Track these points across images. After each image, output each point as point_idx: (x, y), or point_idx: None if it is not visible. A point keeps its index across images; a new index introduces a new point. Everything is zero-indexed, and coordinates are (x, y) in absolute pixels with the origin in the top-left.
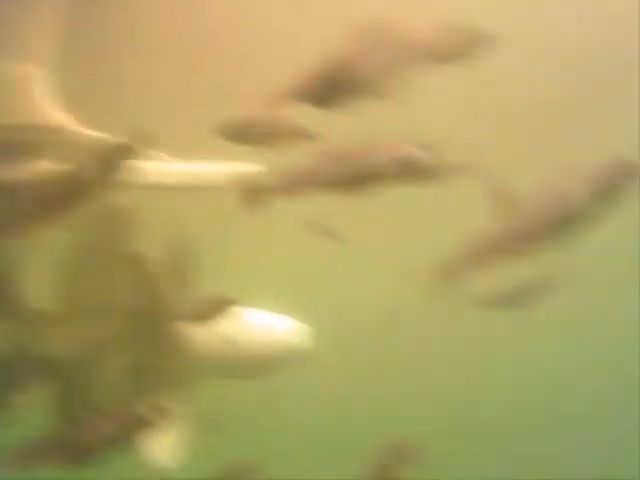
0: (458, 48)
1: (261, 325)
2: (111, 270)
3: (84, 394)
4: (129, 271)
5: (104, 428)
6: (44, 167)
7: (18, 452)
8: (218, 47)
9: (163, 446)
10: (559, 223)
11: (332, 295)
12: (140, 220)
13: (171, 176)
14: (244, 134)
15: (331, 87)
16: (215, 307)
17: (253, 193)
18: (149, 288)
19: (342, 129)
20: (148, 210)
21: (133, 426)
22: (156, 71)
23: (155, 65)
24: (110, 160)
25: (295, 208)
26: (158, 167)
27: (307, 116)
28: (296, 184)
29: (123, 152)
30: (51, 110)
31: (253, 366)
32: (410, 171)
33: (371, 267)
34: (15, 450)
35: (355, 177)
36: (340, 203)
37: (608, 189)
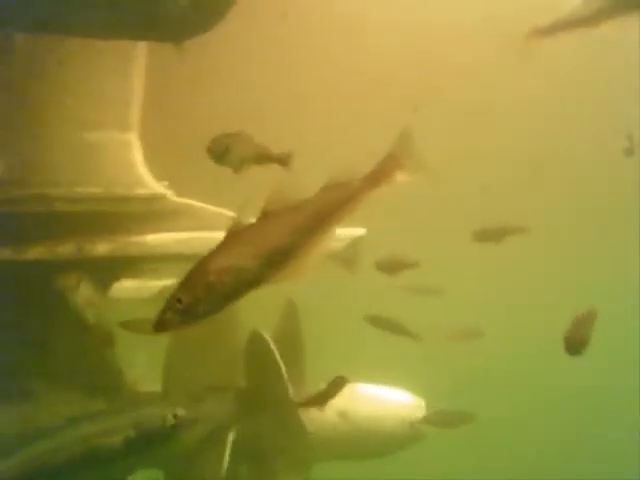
0: None
1: (376, 399)
2: (223, 351)
3: (196, 478)
4: (242, 351)
5: None
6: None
7: None
8: None
9: None
10: None
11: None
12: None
13: None
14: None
15: None
16: (330, 389)
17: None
18: (264, 368)
19: None
20: None
21: None
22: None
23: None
24: None
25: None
26: None
27: None
28: None
29: None
30: (149, 179)
31: (369, 442)
32: None
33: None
34: None
35: None
36: None
37: None
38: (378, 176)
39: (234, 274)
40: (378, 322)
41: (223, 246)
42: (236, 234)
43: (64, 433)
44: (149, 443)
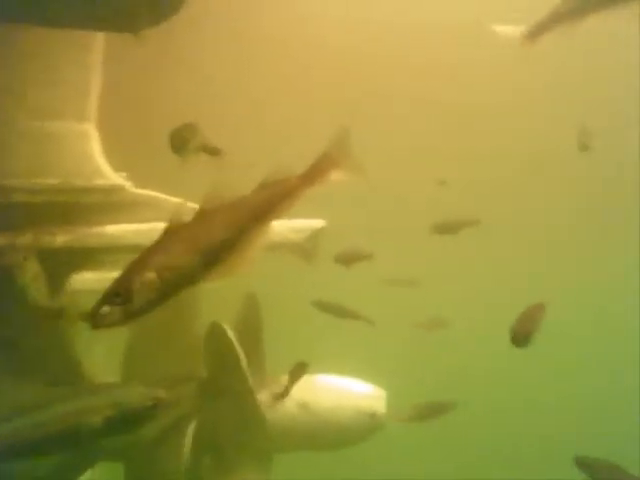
0: None
1: (336, 390)
2: (183, 342)
3: (157, 470)
4: (201, 342)
5: None
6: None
7: None
8: None
9: None
10: None
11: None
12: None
13: None
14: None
15: None
16: (292, 375)
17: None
18: (223, 359)
19: None
20: None
21: None
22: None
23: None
24: None
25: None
26: None
27: None
28: None
29: None
30: (107, 169)
31: (329, 433)
32: None
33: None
34: None
35: None
36: None
37: None
38: (313, 174)
39: (173, 270)
40: (327, 308)
41: (162, 242)
42: (175, 230)
43: (42, 411)
44: (127, 424)
